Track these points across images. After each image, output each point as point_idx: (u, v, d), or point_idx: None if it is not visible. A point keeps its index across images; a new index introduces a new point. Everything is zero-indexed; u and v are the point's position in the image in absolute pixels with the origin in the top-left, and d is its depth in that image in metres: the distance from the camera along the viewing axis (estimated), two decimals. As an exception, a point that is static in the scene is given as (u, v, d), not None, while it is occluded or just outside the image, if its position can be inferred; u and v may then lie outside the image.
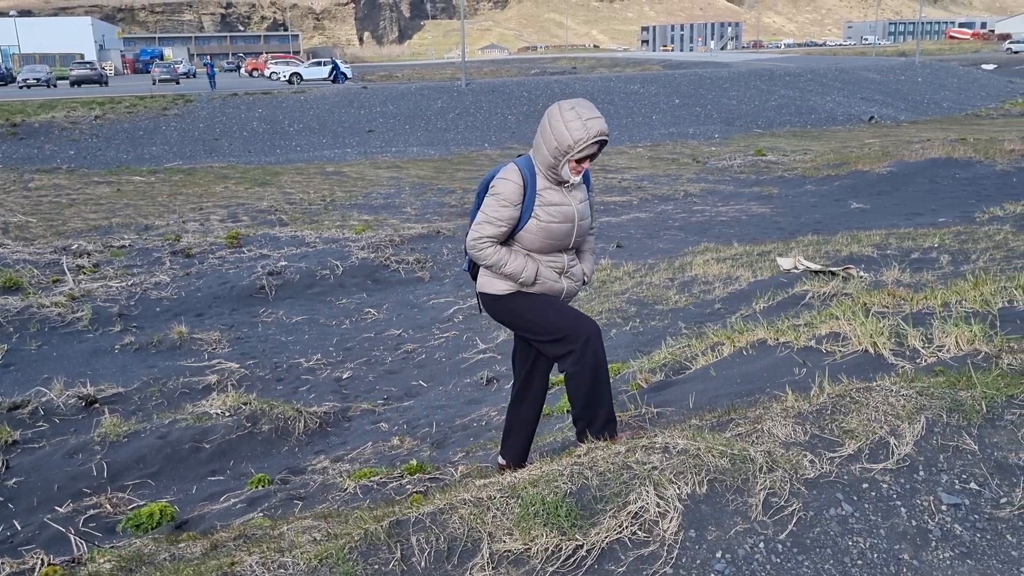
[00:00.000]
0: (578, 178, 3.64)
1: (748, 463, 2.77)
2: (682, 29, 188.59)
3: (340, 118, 37.62)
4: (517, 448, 4.06)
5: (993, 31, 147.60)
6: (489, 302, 3.81)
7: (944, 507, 2.69)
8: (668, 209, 16.93)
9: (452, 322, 9.60)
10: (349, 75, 57.33)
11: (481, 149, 33.19)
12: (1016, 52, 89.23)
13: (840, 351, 4.63)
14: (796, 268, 8.94)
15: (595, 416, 3.73)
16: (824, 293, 7.25)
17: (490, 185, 3.71)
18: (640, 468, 2.75)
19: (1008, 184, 16.04)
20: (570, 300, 3.87)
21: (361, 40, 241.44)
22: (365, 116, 38.22)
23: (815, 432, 2.99)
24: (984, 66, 70.85)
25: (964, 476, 2.82)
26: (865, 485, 2.74)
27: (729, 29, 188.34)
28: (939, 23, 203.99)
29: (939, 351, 4.18)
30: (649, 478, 2.69)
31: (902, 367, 4.02)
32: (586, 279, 3.98)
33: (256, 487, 5.14)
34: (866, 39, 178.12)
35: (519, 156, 3.80)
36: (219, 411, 6.42)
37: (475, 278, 3.90)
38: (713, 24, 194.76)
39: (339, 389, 7.90)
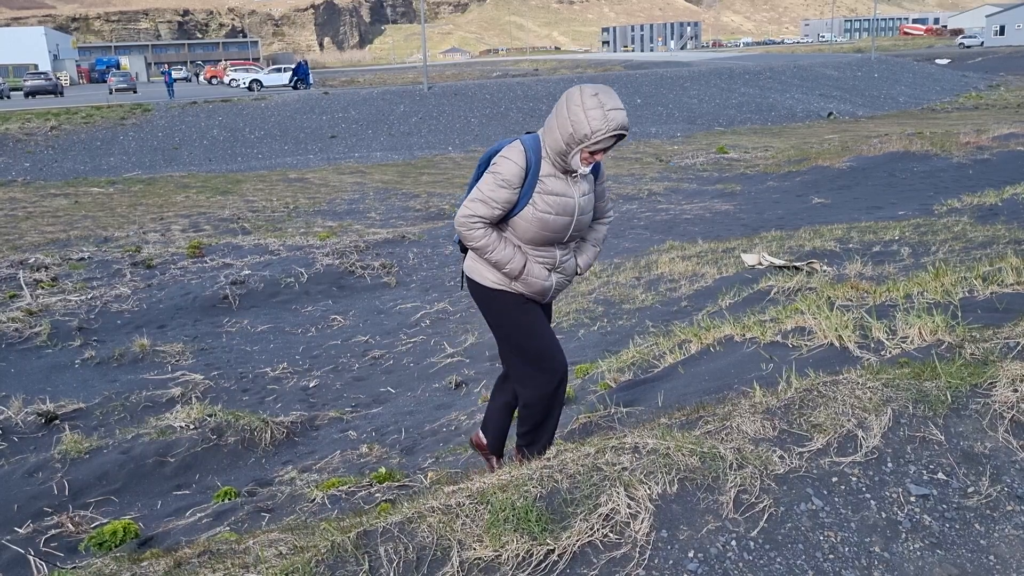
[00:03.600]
0: (587, 169, 3.36)
1: (718, 461, 2.76)
2: (642, 29, 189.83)
3: (302, 124, 37.34)
4: (491, 437, 4.03)
5: (946, 27, 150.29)
6: (473, 287, 3.63)
7: (913, 498, 2.70)
8: (633, 208, 16.98)
9: (419, 327, 9.54)
10: (310, 81, 56.95)
11: (445, 152, 33.11)
12: (968, 47, 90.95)
13: (806, 345, 4.65)
14: (760, 264, 9.00)
15: (536, 440, 3.69)
16: (789, 288, 7.29)
17: (492, 161, 3.44)
18: (610, 469, 2.72)
19: (964, 176, 16.30)
20: (556, 295, 3.71)
21: (321, 46, 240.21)
22: (327, 122, 37.97)
23: (784, 427, 2.99)
24: (938, 61, 72.07)
25: (932, 466, 2.83)
26: (835, 479, 2.74)
27: (688, 29, 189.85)
28: (893, 19, 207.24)
29: (903, 343, 4.21)
30: (619, 479, 2.67)
31: (868, 359, 4.05)
32: (579, 271, 3.71)
33: (222, 500, 5.04)
34: (823, 36, 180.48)
35: (527, 134, 3.52)
36: (183, 424, 6.31)
37: (464, 252, 3.71)
38: (673, 24, 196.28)
39: (306, 398, 7.80)
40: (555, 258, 3.53)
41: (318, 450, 6.14)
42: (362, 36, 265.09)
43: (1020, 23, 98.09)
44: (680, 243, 12.19)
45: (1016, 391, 3.14)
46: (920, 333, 4.19)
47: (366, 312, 10.52)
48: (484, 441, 4.04)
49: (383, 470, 4.70)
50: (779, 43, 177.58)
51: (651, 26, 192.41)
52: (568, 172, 3.39)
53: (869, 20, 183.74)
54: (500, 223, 3.47)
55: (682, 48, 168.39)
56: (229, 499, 5.05)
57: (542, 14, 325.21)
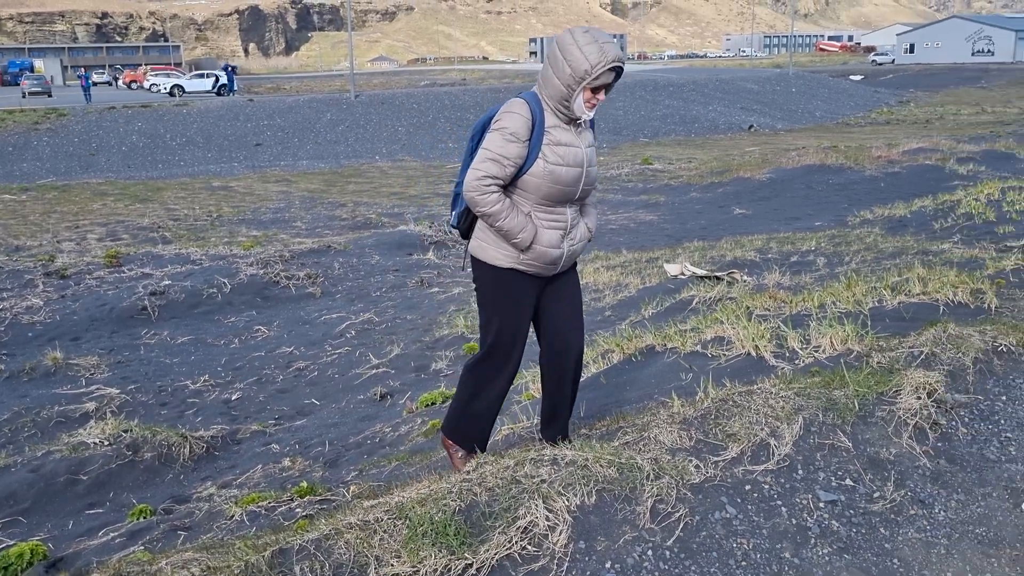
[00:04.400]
0: (591, 114, 3.23)
1: (636, 471, 2.80)
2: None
3: (226, 131, 36.63)
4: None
5: (859, 44, 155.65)
6: (480, 269, 3.43)
7: (822, 504, 2.78)
8: (559, 218, 17.10)
9: (344, 338, 9.44)
10: (235, 87, 55.95)
11: (372, 161, 32.88)
12: (880, 64, 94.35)
13: (725, 355, 4.76)
14: (683, 274, 9.16)
15: (457, 427, 3.63)
16: (710, 298, 7.43)
17: (493, 120, 3.28)
18: (529, 482, 2.74)
19: (876, 189, 16.88)
20: (569, 263, 3.48)
21: (246, 52, 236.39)
22: (252, 129, 37.33)
23: (700, 437, 3.05)
24: (852, 77, 74.59)
25: (840, 473, 2.92)
26: (748, 487, 2.81)
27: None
28: (810, 36, 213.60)
29: (816, 352, 4.33)
30: (538, 491, 2.68)
31: (782, 368, 4.16)
32: (590, 233, 3.56)
33: (137, 519, 4.90)
34: (744, 51, 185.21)
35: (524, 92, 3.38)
36: (97, 440, 6.11)
37: (465, 236, 3.54)
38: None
39: (228, 411, 7.64)
40: (567, 220, 3.34)
41: (239, 464, 6.02)
42: (288, 43, 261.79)
43: (929, 42, 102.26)
44: (605, 253, 12.33)
45: (919, 398, 3.27)
46: (831, 342, 4.32)
47: (291, 323, 10.37)
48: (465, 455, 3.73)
49: (304, 484, 4.63)
50: (702, 56, 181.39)
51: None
52: (572, 121, 3.27)
53: (787, 36, 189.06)
54: (507, 188, 3.29)
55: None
56: (144, 517, 4.91)
57: (470, 24, 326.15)
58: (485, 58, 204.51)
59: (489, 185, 3.17)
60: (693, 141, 37.82)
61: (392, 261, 12.78)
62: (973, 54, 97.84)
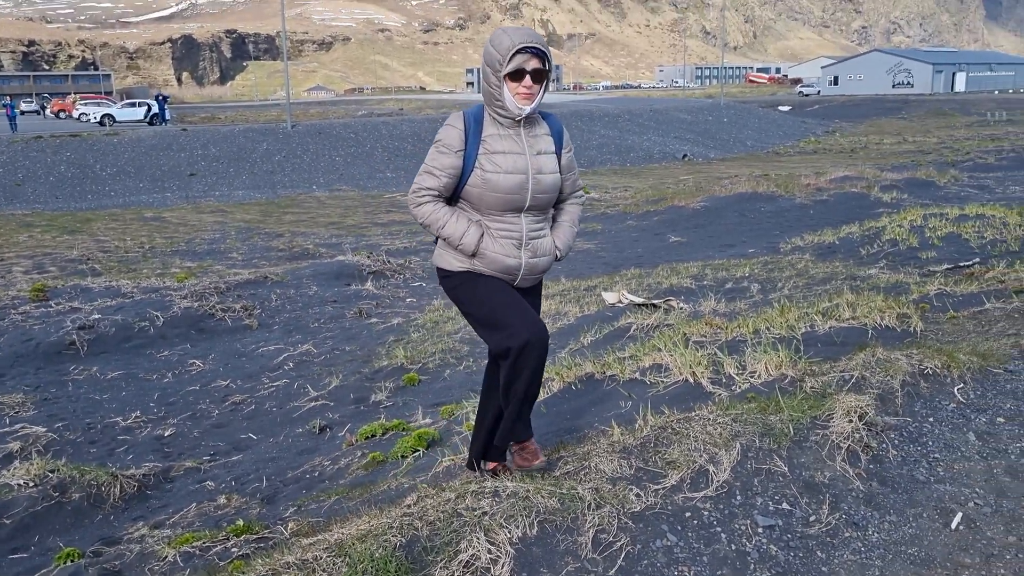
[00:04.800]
0: (528, 107, 3.16)
1: (577, 501, 2.80)
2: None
3: (158, 162, 35.98)
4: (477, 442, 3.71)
5: (787, 76, 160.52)
6: (441, 277, 3.42)
7: (760, 529, 2.82)
8: (498, 247, 17.16)
9: (282, 370, 9.28)
10: (168, 116, 55.05)
11: (309, 191, 32.62)
12: (807, 95, 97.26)
13: (663, 382, 4.81)
14: (621, 301, 9.25)
15: (521, 416, 3.36)
16: (647, 325, 7.52)
17: None
18: (470, 515, 2.72)
19: (806, 216, 17.33)
20: (535, 279, 3.41)
21: (180, 81, 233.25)
22: (186, 159, 36.74)
23: (640, 465, 3.07)
24: (780, 108, 76.72)
25: (777, 497, 2.96)
26: (688, 514, 2.83)
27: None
28: (740, 68, 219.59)
29: (751, 377, 4.41)
30: (480, 524, 2.67)
31: (719, 395, 4.22)
32: (559, 253, 3.46)
33: (64, 563, 4.72)
34: (676, 82, 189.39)
35: None
36: (22, 481, 5.88)
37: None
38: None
39: (160, 447, 7.43)
40: (521, 231, 3.24)
41: (172, 503, 5.85)
42: (223, 72, 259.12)
43: (852, 74, 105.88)
44: (543, 281, 12.39)
45: (851, 422, 3.34)
46: (766, 368, 4.41)
47: (226, 356, 10.16)
48: (493, 463, 3.63)
49: (241, 522, 4.52)
50: (636, 87, 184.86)
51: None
52: (516, 124, 3.22)
53: (718, 68, 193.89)
54: (455, 198, 3.30)
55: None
56: (72, 561, 4.74)
57: (407, 54, 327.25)
58: (422, 88, 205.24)
59: (423, 196, 3.24)
60: (629, 170, 38.39)
61: (330, 292, 12.66)
62: (894, 86, 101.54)
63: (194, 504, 5.62)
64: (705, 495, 2.90)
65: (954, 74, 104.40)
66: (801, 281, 9.59)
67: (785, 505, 2.94)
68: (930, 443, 3.53)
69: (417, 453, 5.09)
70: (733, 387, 4.36)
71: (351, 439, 6.38)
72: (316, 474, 5.85)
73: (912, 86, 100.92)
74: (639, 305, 8.86)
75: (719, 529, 2.79)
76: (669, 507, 2.85)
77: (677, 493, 2.91)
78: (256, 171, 36.26)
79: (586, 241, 17.26)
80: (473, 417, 5.67)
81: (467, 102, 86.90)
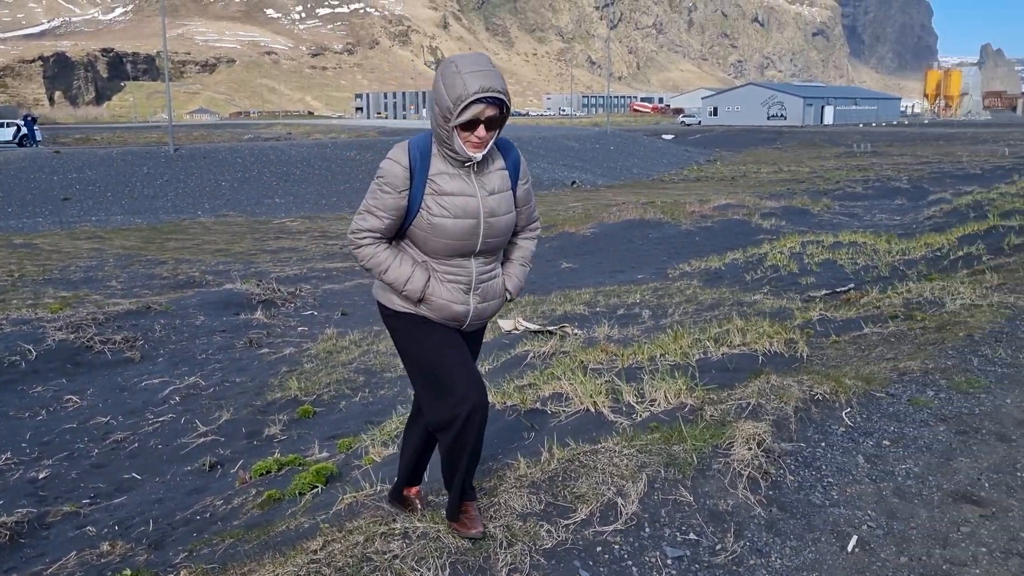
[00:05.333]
0: (479, 154, 2.84)
1: (489, 541, 2.78)
2: (395, 97, 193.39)
3: (29, 185, 34.20)
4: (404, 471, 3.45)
5: (669, 106, 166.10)
6: (382, 311, 3.15)
7: (669, 560, 2.85)
8: (391, 274, 17.00)
9: (168, 404, 8.90)
10: (38, 137, 52.45)
11: (194, 217, 31.61)
12: (689, 125, 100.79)
13: (564, 411, 4.83)
14: (517, 329, 9.29)
15: (452, 484, 3.05)
16: (544, 352, 7.57)
17: None
18: (380, 559, 2.66)
19: (692, 242, 17.87)
20: (482, 323, 3.16)
21: (52, 100, 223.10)
22: (59, 183, 35.05)
23: (549, 500, 3.07)
24: (664, 136, 79.17)
25: (684, 527, 3.01)
26: (599, 548, 2.84)
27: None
28: (625, 97, 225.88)
29: (652, 406, 4.48)
30: (391, 568, 2.61)
31: (621, 424, 4.26)
32: (510, 296, 3.20)
33: (-71, 623, 4.37)
34: (563, 110, 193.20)
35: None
36: None
37: None
38: (424, 92, 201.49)
39: (34, 491, 6.98)
40: (470, 275, 2.98)
41: (49, 552, 5.50)
42: (99, 92, 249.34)
43: (730, 106, 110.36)
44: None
45: (750, 449, 3.43)
46: (666, 396, 4.49)
47: (106, 390, 9.68)
48: (409, 492, 3.46)
49: (128, 571, 4.29)
50: (524, 115, 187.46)
51: (403, 94, 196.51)
52: (467, 165, 2.91)
53: (604, 97, 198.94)
54: (399, 237, 3.03)
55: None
56: (-63, 621, 4.39)
57: (295, 78, 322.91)
58: (310, 113, 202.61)
59: (364, 238, 2.97)
60: (519, 196, 38.75)
61: (218, 321, 12.26)
62: (768, 117, 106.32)
63: (74, 552, 5.30)
64: (615, 528, 2.92)
65: (823, 107, 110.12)
66: (691, 307, 9.85)
67: (692, 535, 2.98)
68: (824, 467, 3.66)
69: (316, 489, 4.95)
70: (634, 416, 4.42)
71: (244, 476, 6.15)
72: (208, 515, 5.61)
73: (785, 118, 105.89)
74: (535, 332, 8.92)
75: (630, 563, 2.80)
76: (580, 542, 2.86)
77: (587, 527, 2.92)
78: (136, 196, 34.92)
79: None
80: (372, 451, 5.58)
81: (356, 128, 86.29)
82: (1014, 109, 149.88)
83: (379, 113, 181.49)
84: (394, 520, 2.95)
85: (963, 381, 4.79)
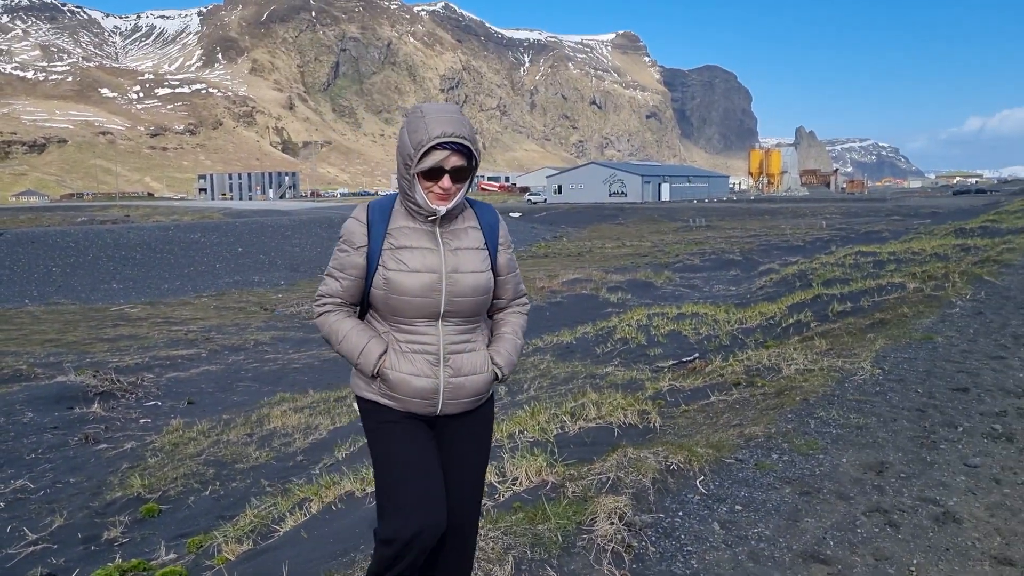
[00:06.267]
0: (443, 207, 2.62)
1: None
2: (240, 177, 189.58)
3: None
4: None
5: (515, 184, 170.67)
6: (357, 403, 2.83)
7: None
8: (240, 360, 16.44)
9: (-10, 513, 8.16)
10: None
11: (21, 305, 29.59)
12: (535, 203, 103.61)
13: (426, 495, 4.77)
14: (374, 412, 9.14)
15: None
16: (403, 435, 7.46)
17: None
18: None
19: (543, 318, 18.24)
20: (466, 404, 2.73)
21: None
22: None
23: (416, 589, 3.00)
24: (512, 214, 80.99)
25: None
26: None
27: (287, 179, 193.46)
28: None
29: (514, 485, 4.50)
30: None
31: (484, 506, 4.25)
32: (500, 371, 2.77)
33: None
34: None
35: None
36: None
37: None
38: (270, 173, 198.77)
39: None
40: (437, 343, 2.65)
41: None
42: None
43: (574, 184, 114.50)
44: (291, 394, 12.00)
45: (612, 524, 3.49)
46: (527, 475, 4.52)
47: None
48: None
49: None
50: (374, 194, 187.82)
51: (249, 175, 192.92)
52: (431, 220, 2.68)
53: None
54: (364, 309, 2.80)
55: (281, 197, 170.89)
56: None
57: (132, 159, 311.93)
58: (151, 194, 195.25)
59: (323, 304, 2.77)
60: (371, 276, 38.54)
61: (49, 417, 11.42)
62: (610, 195, 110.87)
63: None
64: (484, 614, 2.88)
65: (660, 185, 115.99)
66: (545, 381, 10.01)
67: None
68: (682, 536, 3.76)
69: (163, 597, 4.64)
70: (497, 496, 4.41)
71: (82, 587, 5.70)
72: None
73: (626, 195, 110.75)
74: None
75: (501, 648, 2.77)
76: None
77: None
78: (-47, 284, 32.43)
79: (330, 350, 16.98)
80: (225, 549, 5.30)
81: (200, 209, 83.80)
82: (828, 185, 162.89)
83: (224, 194, 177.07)
84: (254, 624, 2.80)
85: (803, 443, 5.07)
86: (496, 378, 2.77)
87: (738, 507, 4.13)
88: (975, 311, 9.45)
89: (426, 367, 2.64)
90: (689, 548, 3.66)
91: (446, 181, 2.59)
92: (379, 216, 2.71)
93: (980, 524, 3.93)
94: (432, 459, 2.69)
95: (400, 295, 2.62)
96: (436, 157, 2.55)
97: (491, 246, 2.79)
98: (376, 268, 2.66)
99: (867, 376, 6.71)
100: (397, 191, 2.77)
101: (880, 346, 7.81)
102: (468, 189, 2.68)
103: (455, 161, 2.58)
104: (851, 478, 4.52)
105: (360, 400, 2.77)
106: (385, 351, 2.66)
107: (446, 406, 2.69)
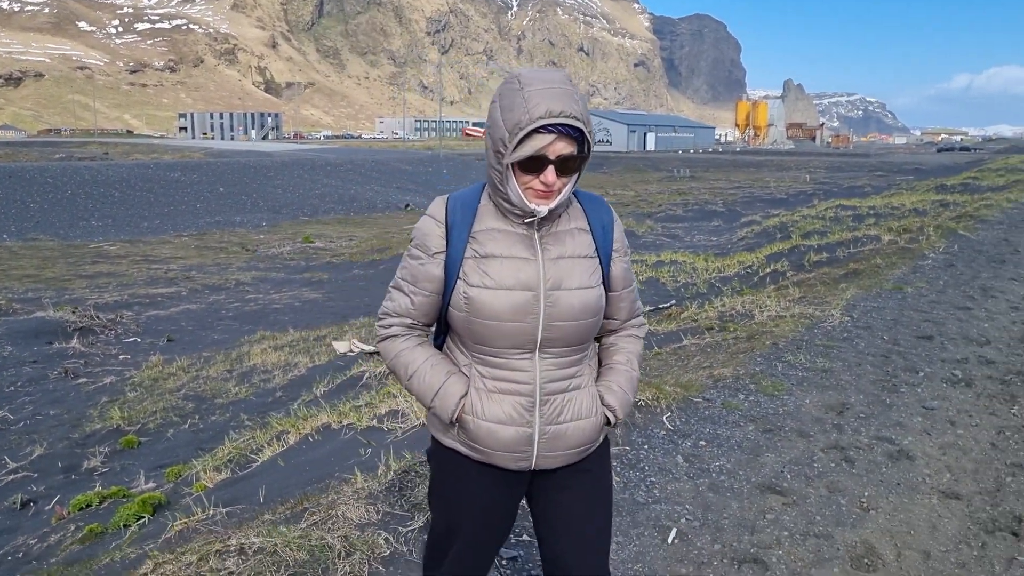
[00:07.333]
0: (545, 207, 1.99)
1: (327, 551, 2.80)
2: (222, 117, 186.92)
3: None
4: None
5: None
6: (431, 440, 2.27)
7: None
8: (220, 299, 16.45)
9: (-30, 441, 8.25)
10: None
11: (-3, 241, 29.33)
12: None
13: (400, 427, 4.89)
14: (352, 351, 9.25)
15: None
16: (380, 373, 7.58)
17: None
18: (216, 576, 2.63)
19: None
20: (568, 457, 2.11)
21: None
22: None
23: (387, 510, 3.12)
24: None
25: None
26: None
27: (270, 119, 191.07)
28: (457, 122, 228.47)
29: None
30: (227, 585, 2.58)
31: (457, 436, 4.37)
32: (612, 415, 2.15)
33: None
34: (397, 134, 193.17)
35: None
36: None
37: None
38: (253, 114, 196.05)
39: None
40: (532, 381, 2.05)
41: None
42: None
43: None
44: (271, 333, 12.06)
45: (579, 453, 3.61)
46: (499, 408, 4.63)
47: None
48: None
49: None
50: (357, 137, 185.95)
51: (231, 115, 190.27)
52: (527, 222, 2.04)
53: (436, 121, 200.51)
54: (445, 331, 2.19)
55: (264, 138, 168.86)
56: None
57: (111, 95, 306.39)
58: (130, 132, 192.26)
59: (389, 327, 2.15)
60: (353, 219, 38.41)
61: (28, 352, 11.45)
62: (595, 143, 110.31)
63: None
64: (451, 533, 3.01)
65: (646, 134, 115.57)
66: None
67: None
68: (647, 468, 3.90)
69: (143, 520, 4.76)
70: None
71: (62, 512, 5.81)
72: (20, 555, 5.27)
73: (611, 144, 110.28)
74: (370, 354, 8.91)
75: (466, 564, 2.90)
76: (419, 549, 2.92)
77: (424, 534, 2.99)
78: (-72, 218, 32.07)
79: (313, 291, 17.04)
80: (204, 477, 5.42)
81: (180, 148, 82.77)
82: (813, 139, 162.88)
83: (205, 134, 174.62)
84: (229, 537, 2.91)
85: (769, 385, 5.21)
86: (608, 423, 2.16)
87: (702, 442, 4.27)
88: (947, 263, 9.61)
89: (516, 411, 2.04)
90: (653, 479, 3.80)
91: (550, 175, 1.95)
92: (462, 214, 2.08)
93: (932, 461, 4.09)
94: (500, 536, 2.25)
95: (485, 319, 2.00)
96: (538, 143, 1.92)
97: (603, 253, 2.14)
98: (455, 281, 2.05)
99: (836, 323, 6.86)
100: (484, 179, 2.14)
101: (851, 295, 7.96)
102: (576, 183, 2.06)
103: (562, 148, 1.94)
104: (812, 417, 4.68)
105: (435, 441, 2.20)
106: (466, 392, 2.07)
107: (542, 459, 2.09)
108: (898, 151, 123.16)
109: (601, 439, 2.17)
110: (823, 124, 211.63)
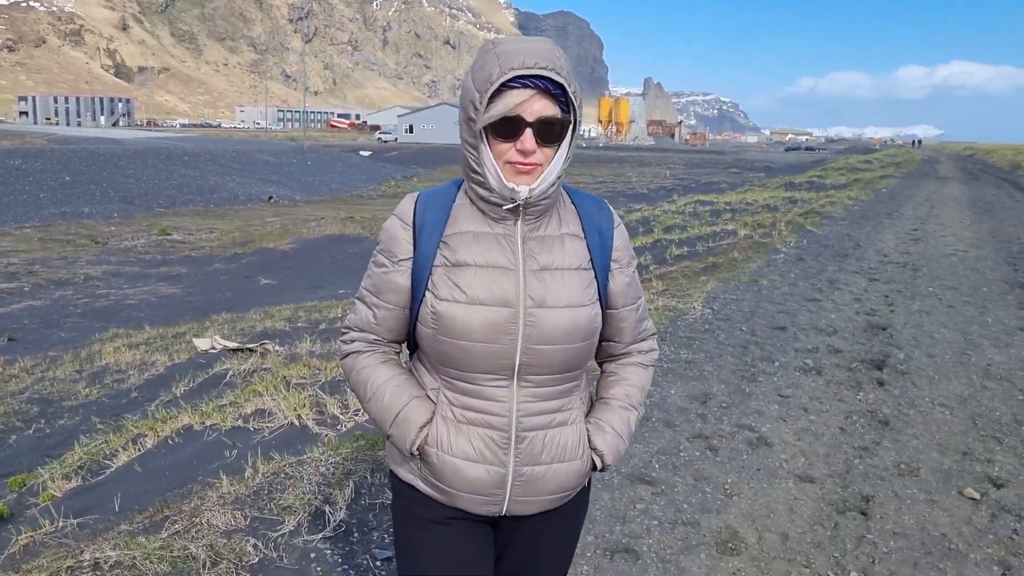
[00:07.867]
0: (526, 187, 1.67)
1: (190, 562, 2.67)
2: (67, 102, 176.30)
3: None
4: None
5: (366, 122, 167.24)
6: (391, 488, 1.94)
7: (379, 563, 2.91)
8: (68, 295, 15.51)
9: None
10: None
11: None
12: (386, 141, 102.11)
13: (268, 427, 4.74)
14: (214, 348, 8.90)
15: None
16: (245, 370, 7.33)
17: None
18: (69, 593, 2.46)
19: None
20: (545, 503, 1.80)
21: None
22: None
23: (255, 515, 3.01)
24: (362, 152, 79.50)
25: (391, 530, 3.09)
26: (313, 555, 2.83)
27: (120, 105, 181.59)
28: (321, 112, 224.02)
29: (356, 415, 4.53)
30: (81, 602, 2.42)
31: (326, 435, 4.27)
32: (600, 460, 1.83)
33: None
34: (258, 123, 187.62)
35: None
36: None
37: None
38: (102, 99, 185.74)
39: None
40: (508, 412, 1.73)
41: None
42: None
43: (425, 124, 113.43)
44: (125, 330, 11.47)
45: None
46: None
47: None
48: None
49: None
50: (217, 126, 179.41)
51: (78, 99, 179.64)
52: (507, 209, 1.71)
53: (300, 111, 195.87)
54: (412, 341, 1.85)
55: (114, 125, 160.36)
56: None
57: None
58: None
59: (351, 341, 1.87)
60: (213, 211, 37.02)
61: None
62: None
63: None
64: (324, 536, 2.93)
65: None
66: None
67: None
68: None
69: (-18, 535, 4.41)
70: (339, 426, 4.44)
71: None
72: None
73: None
74: (233, 350, 8.60)
75: (344, 567, 2.83)
76: (287, 554, 2.83)
77: (296, 538, 2.90)
78: None
79: (170, 285, 16.33)
80: (51, 486, 5.09)
81: (20, 134, 77.52)
82: (673, 136, 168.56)
83: (48, 119, 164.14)
84: (82, 551, 2.73)
85: (636, 376, 5.34)
86: (595, 468, 1.85)
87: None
88: (797, 257, 10.14)
89: (489, 448, 1.73)
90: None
91: (528, 140, 1.64)
92: (433, 215, 1.77)
93: (787, 447, 4.30)
94: None
95: (455, 338, 1.69)
96: (512, 99, 1.62)
97: (599, 264, 1.82)
98: (423, 292, 1.74)
99: (698, 315, 7.11)
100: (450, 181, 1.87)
101: (711, 288, 8.27)
102: (566, 163, 1.75)
103: (542, 109, 1.63)
104: (678, 408, 4.83)
105: (393, 477, 1.88)
106: (430, 420, 1.76)
107: (515, 504, 1.78)
108: (750, 149, 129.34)
109: (582, 484, 1.86)
110: (681, 122, 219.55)
